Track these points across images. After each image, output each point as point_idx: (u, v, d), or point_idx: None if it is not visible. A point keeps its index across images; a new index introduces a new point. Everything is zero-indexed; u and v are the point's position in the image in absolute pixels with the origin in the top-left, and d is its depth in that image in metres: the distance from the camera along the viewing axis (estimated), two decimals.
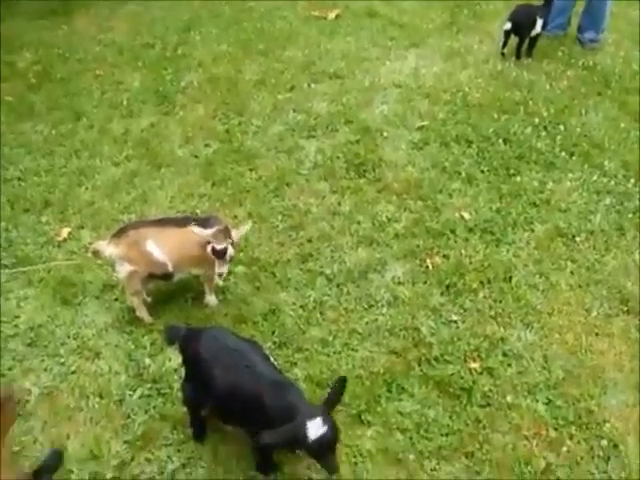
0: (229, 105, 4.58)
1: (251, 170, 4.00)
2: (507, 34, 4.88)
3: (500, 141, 4.11)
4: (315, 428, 2.09)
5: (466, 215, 3.59)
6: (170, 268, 2.93)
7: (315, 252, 3.41)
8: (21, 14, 6.18)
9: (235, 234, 2.90)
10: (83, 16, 6.05)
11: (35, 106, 4.65)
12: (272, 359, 2.44)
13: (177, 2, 6.15)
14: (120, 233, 2.93)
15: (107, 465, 2.53)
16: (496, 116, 4.34)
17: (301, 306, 3.12)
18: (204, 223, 2.89)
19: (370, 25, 5.58)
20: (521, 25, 4.84)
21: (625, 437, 2.57)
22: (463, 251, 3.38)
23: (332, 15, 5.69)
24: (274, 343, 2.94)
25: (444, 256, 3.37)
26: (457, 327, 3.00)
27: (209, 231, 2.83)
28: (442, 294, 3.17)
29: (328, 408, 2.17)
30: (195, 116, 4.51)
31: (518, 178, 3.84)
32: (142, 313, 3.06)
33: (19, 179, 4.00)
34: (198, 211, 3.69)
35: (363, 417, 2.63)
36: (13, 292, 3.26)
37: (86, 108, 4.62)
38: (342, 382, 2.22)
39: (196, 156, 4.14)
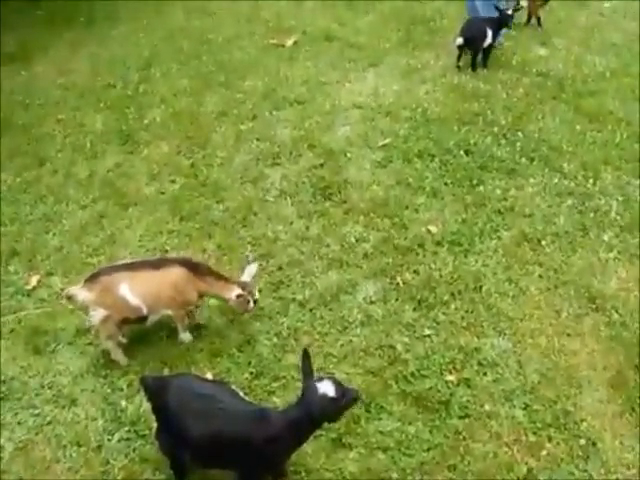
0: (193, 139, 4.61)
1: (218, 202, 4.02)
2: (460, 48, 5.00)
3: (462, 152, 4.19)
4: (327, 386, 2.17)
5: (433, 229, 3.64)
6: (144, 311, 2.93)
7: (286, 279, 3.43)
8: None
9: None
10: (42, 60, 6.07)
11: None
12: (242, 394, 2.42)
13: (135, 40, 6.21)
14: (93, 278, 2.91)
15: None
16: (456, 128, 4.43)
17: (275, 334, 3.13)
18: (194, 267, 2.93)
19: (328, 49, 5.68)
20: (473, 38, 4.96)
21: (602, 434, 2.61)
22: (432, 265, 3.42)
23: (289, 42, 5.78)
24: (251, 374, 2.94)
25: (414, 271, 3.40)
26: (431, 341, 3.02)
27: (247, 279, 2.94)
28: (414, 309, 3.20)
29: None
30: (159, 153, 4.53)
31: (481, 188, 3.91)
32: (117, 356, 3.03)
33: None
34: (168, 248, 3.70)
35: (344, 440, 2.63)
36: None
37: (50, 153, 4.62)
38: (305, 354, 2.26)
39: (162, 192, 4.16)
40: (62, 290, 3.43)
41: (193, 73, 5.46)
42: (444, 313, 3.15)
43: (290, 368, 2.95)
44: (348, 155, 4.30)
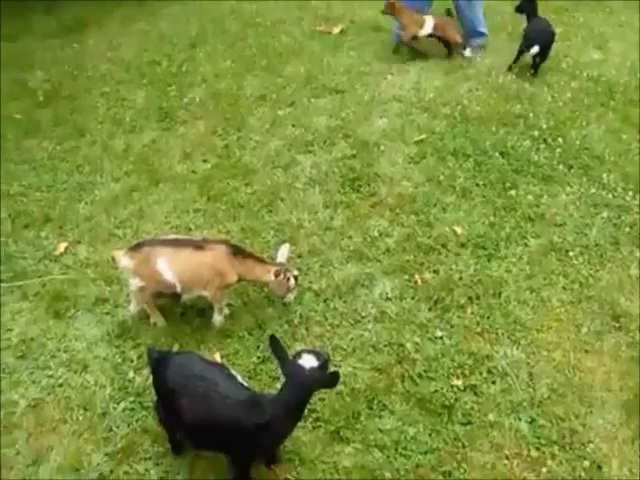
0: (229, 121, 4.63)
1: (246, 185, 4.03)
2: (534, 58, 4.76)
3: (497, 154, 4.08)
4: (309, 358, 2.19)
5: (459, 230, 3.57)
6: (178, 289, 2.97)
7: (304, 267, 3.42)
8: (36, 32, 6.36)
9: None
10: (95, 34, 6.19)
11: (41, 123, 4.76)
12: (240, 378, 2.44)
13: (185, 18, 6.27)
14: (137, 247, 2.98)
15: (86, 477, 2.56)
16: (495, 129, 4.31)
17: (287, 321, 3.13)
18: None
19: (374, 39, 5.61)
20: (546, 46, 4.72)
21: (609, 458, 2.52)
22: (453, 266, 3.36)
23: (336, 30, 5.73)
24: (258, 358, 2.95)
25: (434, 271, 3.35)
26: (443, 343, 2.97)
27: (283, 260, 2.96)
28: (429, 310, 3.15)
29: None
30: (195, 132, 4.57)
31: (514, 192, 3.80)
32: (156, 318, 3.10)
33: (21, 195, 4.09)
34: (192, 226, 3.74)
35: (342, 433, 2.62)
36: (8, 305, 3.33)
37: (90, 124, 4.72)
38: (273, 339, 2.27)
39: (194, 171, 4.20)
40: (86, 259, 3.56)
41: (237, 55, 5.47)
42: (459, 316, 3.09)
43: None
44: (381, 148, 4.25)
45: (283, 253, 3.06)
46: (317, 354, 2.23)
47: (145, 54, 5.66)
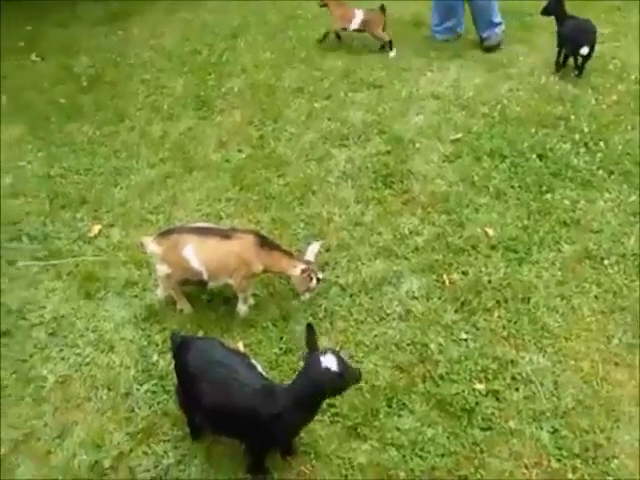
0: (265, 112, 4.65)
1: (279, 176, 4.04)
2: (584, 58, 4.61)
3: (535, 157, 3.99)
4: (331, 360, 2.16)
5: (490, 231, 3.50)
6: (205, 276, 3.00)
7: (332, 261, 3.42)
8: (83, 20, 6.52)
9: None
10: (139, 22, 6.31)
11: (84, 108, 4.88)
12: (260, 368, 2.45)
13: (227, 9, 6.33)
14: (166, 234, 3.02)
15: (107, 454, 2.61)
16: (534, 131, 4.22)
17: (312, 314, 3.13)
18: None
19: (415, 35, 5.56)
20: (593, 46, 4.57)
21: (635, 476, 2.43)
22: (483, 268, 3.30)
23: None
24: (280, 349, 2.96)
25: (462, 272, 3.29)
26: (467, 346, 2.92)
27: (311, 259, 2.95)
28: (456, 311, 3.10)
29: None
30: (232, 121, 4.61)
31: (549, 196, 3.71)
32: (182, 304, 3.15)
33: (61, 176, 4.20)
34: (223, 215, 3.77)
35: (359, 430, 2.60)
36: (43, 283, 3.43)
37: (130, 111, 4.80)
38: (309, 328, 2.26)
39: (228, 160, 4.23)
40: (119, 242, 3.63)
41: (277, 47, 5.50)
42: (486, 320, 3.04)
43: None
44: (417, 145, 4.20)
45: (313, 250, 3.06)
46: (340, 359, 2.19)
47: (187, 43, 5.73)
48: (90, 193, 4.03)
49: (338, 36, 5.45)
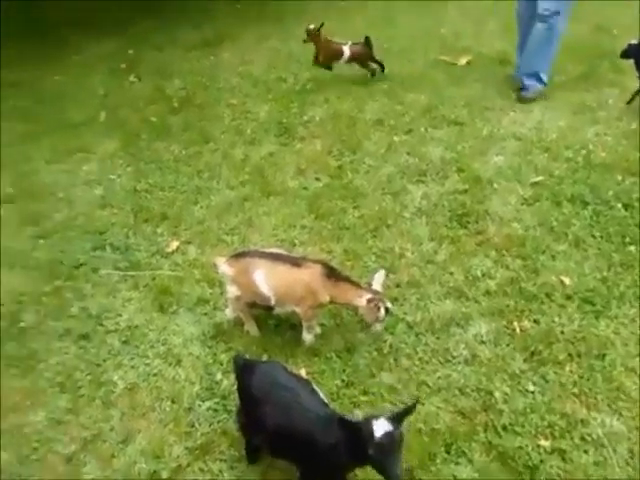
0: (345, 142, 4.73)
1: (355, 208, 4.08)
2: None
3: (620, 205, 3.84)
4: (381, 426, 2.11)
5: (567, 281, 3.39)
6: (272, 302, 3.06)
7: (401, 297, 3.40)
8: (179, 44, 6.90)
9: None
10: (230, 48, 6.60)
11: (172, 128, 5.13)
12: (322, 394, 2.46)
13: None
14: (238, 256, 3.11)
15: (166, 466, 2.69)
16: (620, 178, 4.06)
17: (376, 349, 3.12)
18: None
19: (500, 73, 5.51)
20: None
21: None
22: (556, 318, 3.19)
23: (462, 61, 5.69)
24: (342, 381, 2.97)
25: (534, 321, 3.20)
26: (534, 398, 2.82)
27: (378, 288, 2.97)
28: (525, 361, 3.00)
29: (392, 418, 2.19)
30: (311, 149, 4.71)
31: (633, 248, 3.55)
32: (250, 327, 3.22)
33: (146, 191, 4.42)
34: (297, 242, 3.84)
35: (415, 473, 2.55)
36: (121, 292, 3.60)
37: (215, 133, 5.01)
38: (413, 405, 2.22)
39: (305, 188, 4.32)
40: (194, 260, 3.76)
41: (360, 78, 5.58)
42: (556, 373, 2.92)
43: (382, 386, 2.93)
44: (495, 186, 4.14)
45: (378, 279, 3.06)
46: (391, 436, 2.14)
47: (273, 70, 5.93)
48: (171, 209, 4.21)
49: (329, 67, 5.50)
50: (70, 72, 6.50)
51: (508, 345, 3.08)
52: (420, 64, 5.75)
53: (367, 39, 5.36)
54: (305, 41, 5.40)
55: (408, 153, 4.56)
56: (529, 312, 3.24)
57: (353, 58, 5.40)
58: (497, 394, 2.84)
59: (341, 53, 5.35)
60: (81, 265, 3.82)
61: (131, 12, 8.16)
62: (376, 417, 2.18)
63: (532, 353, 3.02)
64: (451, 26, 6.59)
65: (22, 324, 3.46)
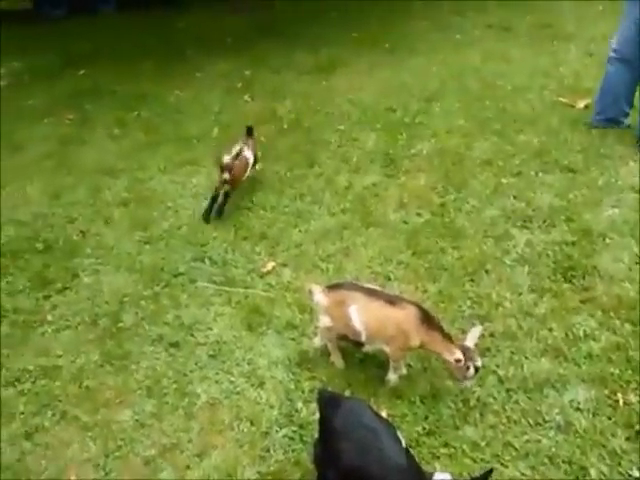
0: (450, 179, 4.63)
1: (454, 248, 3.97)
2: None
3: None
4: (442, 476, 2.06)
5: None
6: (363, 338, 3.03)
7: (494, 348, 3.25)
8: (294, 67, 7.09)
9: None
10: (342, 74, 6.69)
11: (279, 149, 5.25)
12: (404, 442, 2.38)
13: (427, 71, 6.47)
14: (335, 287, 3.11)
15: None
16: None
17: (462, 400, 2.99)
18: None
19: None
20: None
21: None
22: None
23: (581, 104, 5.43)
24: (423, 429, 2.86)
25: None
26: None
27: (470, 345, 2.88)
28: (627, 439, 2.76)
29: None
30: (415, 184, 4.65)
31: None
32: (336, 358, 3.21)
33: (248, 209, 4.54)
34: (391, 277, 3.78)
35: None
36: (213, 306, 3.69)
37: (320, 158, 5.07)
38: (488, 474, 2.12)
39: (405, 222, 4.26)
40: (288, 282, 3.80)
41: (471, 115, 5.47)
42: None
43: (465, 440, 2.80)
44: (607, 241, 3.89)
45: (474, 336, 2.94)
46: None
47: (383, 100, 5.94)
48: (271, 230, 4.29)
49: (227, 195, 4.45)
50: (190, 88, 6.85)
51: (609, 418, 2.85)
52: (535, 104, 5.54)
53: (249, 129, 4.72)
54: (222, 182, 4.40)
55: (515, 197, 4.39)
56: (636, 385, 2.99)
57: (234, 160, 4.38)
58: (592, 471, 2.63)
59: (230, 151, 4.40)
60: (180, 274, 3.97)
61: (251, 34, 8.52)
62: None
63: (637, 432, 2.77)
64: (571, 66, 6.32)
65: (121, 324, 3.64)
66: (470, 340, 2.91)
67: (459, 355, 2.83)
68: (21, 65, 7.98)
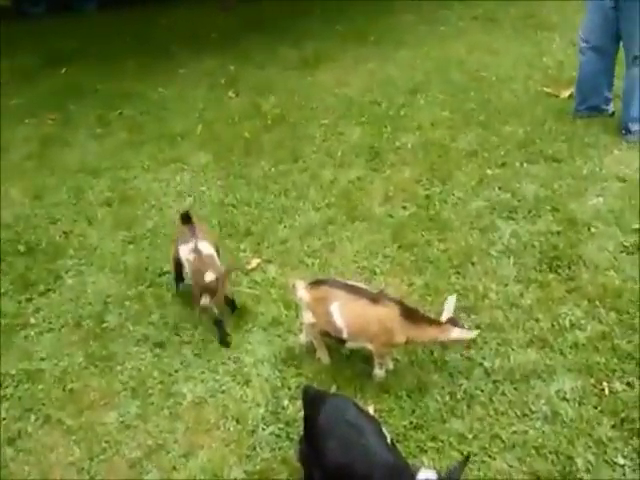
0: (435, 172, 4.61)
1: (440, 241, 3.95)
2: None
3: None
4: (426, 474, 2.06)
5: None
6: (344, 335, 3.01)
7: (481, 340, 3.23)
8: (278, 63, 7.05)
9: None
10: (328, 69, 6.66)
11: (264, 145, 5.21)
12: (389, 438, 2.36)
13: (412, 64, 6.44)
14: (317, 283, 3.09)
15: None
16: None
17: (449, 393, 2.98)
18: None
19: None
20: None
21: None
22: None
23: (566, 94, 5.42)
24: (410, 423, 2.85)
25: (627, 384, 2.94)
26: (623, 474, 2.57)
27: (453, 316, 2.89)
28: (613, 427, 2.76)
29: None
30: (400, 177, 4.63)
31: None
32: (322, 354, 3.18)
33: (233, 206, 4.50)
34: (377, 271, 3.77)
35: None
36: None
37: (305, 152, 5.04)
38: (464, 462, 2.12)
39: (391, 216, 4.24)
40: (273, 279, 3.77)
41: (456, 107, 5.45)
42: None
43: (452, 433, 2.79)
44: (592, 230, 3.89)
45: (450, 306, 2.91)
46: None
47: (368, 94, 5.91)
48: (256, 226, 4.26)
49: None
50: (174, 85, 6.79)
51: (595, 407, 2.85)
52: (520, 94, 5.53)
53: (186, 214, 3.57)
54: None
55: (500, 188, 4.38)
56: (622, 373, 2.99)
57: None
58: (579, 461, 2.62)
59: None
60: (164, 273, 3.92)
61: (236, 29, 8.46)
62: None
63: (622, 420, 2.77)
64: (555, 56, 6.31)
65: (105, 325, 3.60)
66: (448, 311, 2.89)
67: (455, 332, 2.82)
68: (1, 64, 7.88)
